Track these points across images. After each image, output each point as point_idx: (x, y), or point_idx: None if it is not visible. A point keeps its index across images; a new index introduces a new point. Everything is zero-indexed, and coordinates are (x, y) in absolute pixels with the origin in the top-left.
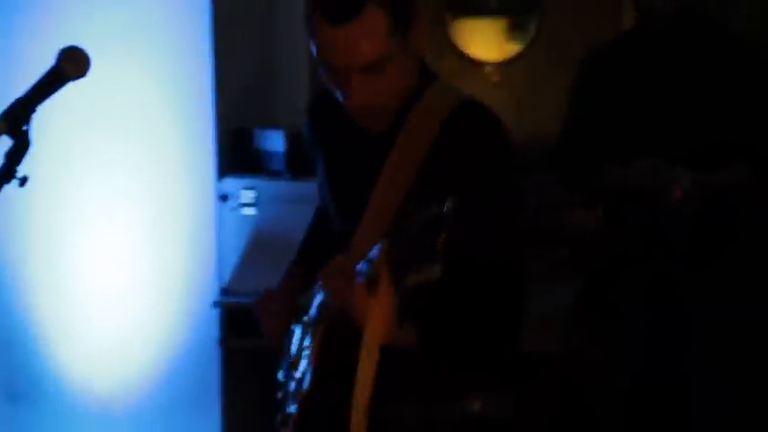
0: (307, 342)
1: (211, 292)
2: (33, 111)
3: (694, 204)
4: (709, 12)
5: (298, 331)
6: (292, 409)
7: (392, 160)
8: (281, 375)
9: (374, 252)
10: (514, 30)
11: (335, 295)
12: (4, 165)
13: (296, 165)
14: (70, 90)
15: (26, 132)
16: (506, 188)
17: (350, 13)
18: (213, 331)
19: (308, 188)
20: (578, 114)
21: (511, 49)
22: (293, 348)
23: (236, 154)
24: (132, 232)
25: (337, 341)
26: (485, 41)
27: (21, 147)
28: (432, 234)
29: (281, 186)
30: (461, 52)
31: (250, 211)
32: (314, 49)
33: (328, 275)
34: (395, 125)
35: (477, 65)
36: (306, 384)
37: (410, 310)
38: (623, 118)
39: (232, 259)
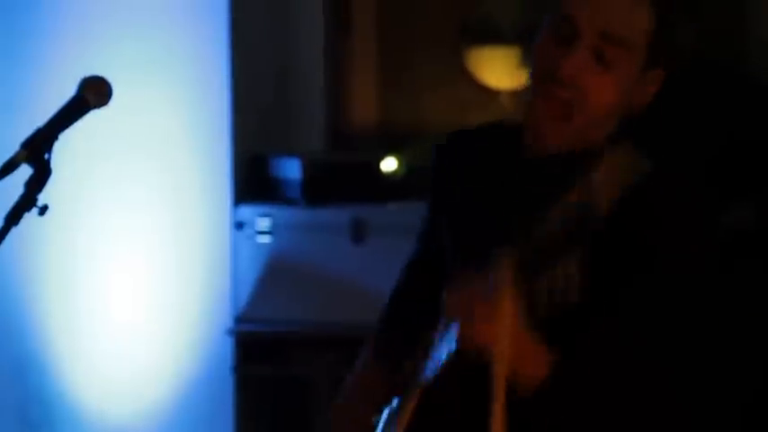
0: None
1: (226, 320)
2: (55, 139)
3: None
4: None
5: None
6: None
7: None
8: None
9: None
10: (529, 58)
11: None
12: (25, 193)
13: (312, 192)
14: (87, 118)
15: (47, 161)
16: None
17: None
18: (227, 359)
19: (324, 216)
20: None
21: (526, 77)
22: None
23: (251, 181)
24: (147, 259)
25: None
26: (500, 70)
27: (41, 175)
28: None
29: (297, 214)
30: (476, 81)
31: (265, 238)
32: (556, 12)
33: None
34: (567, 167)
35: (491, 93)
36: None
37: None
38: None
39: (247, 287)
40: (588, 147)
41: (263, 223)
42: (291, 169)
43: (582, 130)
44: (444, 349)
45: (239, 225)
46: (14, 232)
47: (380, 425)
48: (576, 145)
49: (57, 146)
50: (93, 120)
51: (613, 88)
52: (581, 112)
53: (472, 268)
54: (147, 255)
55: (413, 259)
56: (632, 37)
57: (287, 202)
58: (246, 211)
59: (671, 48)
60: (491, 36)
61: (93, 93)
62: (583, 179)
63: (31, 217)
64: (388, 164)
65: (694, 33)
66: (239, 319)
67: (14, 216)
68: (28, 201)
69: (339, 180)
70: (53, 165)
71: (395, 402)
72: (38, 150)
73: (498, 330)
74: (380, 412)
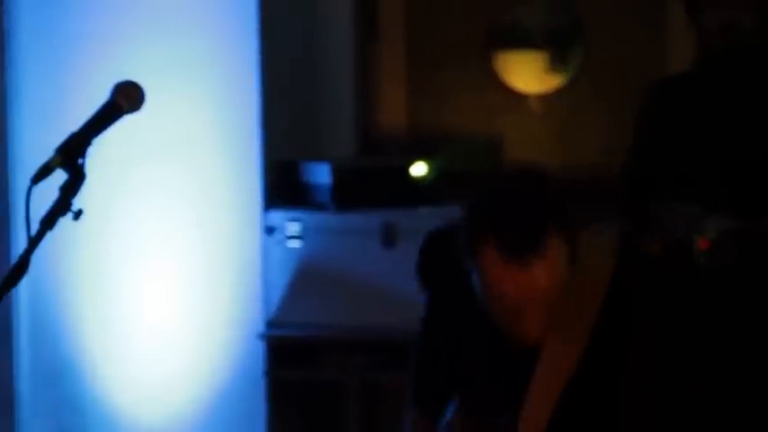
0: None
1: (257, 325)
2: (89, 145)
3: (724, 257)
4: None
5: None
6: None
7: (541, 371)
8: None
9: None
10: (557, 62)
11: None
12: (60, 198)
13: (342, 197)
14: (119, 122)
15: (81, 166)
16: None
17: (530, 248)
18: (259, 363)
19: (354, 221)
20: (645, 143)
21: (554, 81)
22: None
23: (282, 187)
24: (179, 264)
25: None
26: (528, 74)
27: (76, 180)
28: None
29: (327, 219)
30: (504, 85)
31: (296, 243)
32: (478, 280)
33: None
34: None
35: (520, 97)
36: None
37: None
38: (686, 155)
39: (278, 291)
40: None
41: (294, 228)
42: (321, 174)
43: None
44: None
45: (270, 230)
46: (48, 237)
47: None
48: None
49: (90, 151)
50: (125, 125)
51: (557, 289)
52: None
53: None
54: (178, 259)
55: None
56: (561, 275)
57: (317, 206)
58: (277, 216)
59: (576, 227)
60: (519, 40)
61: (126, 98)
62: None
63: (64, 221)
64: (418, 168)
65: None
66: (270, 324)
67: (50, 221)
68: (63, 205)
69: (369, 184)
70: (87, 170)
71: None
72: (72, 155)
73: None
74: None
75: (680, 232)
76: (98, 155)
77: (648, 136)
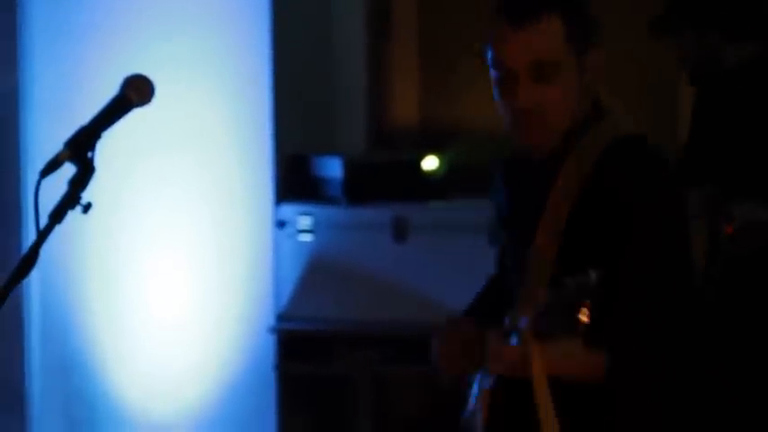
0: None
1: (268, 318)
2: (98, 138)
3: (749, 244)
4: None
5: (475, 386)
6: None
7: (551, 201)
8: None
9: (522, 322)
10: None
11: (495, 359)
12: (69, 191)
13: (353, 191)
14: (129, 116)
15: (90, 160)
16: (665, 246)
17: (529, 14)
18: (270, 357)
19: (366, 215)
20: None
21: None
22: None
23: (293, 180)
24: (189, 258)
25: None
26: None
27: (85, 174)
28: (573, 307)
29: (339, 213)
30: None
31: (307, 237)
32: (490, 55)
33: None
34: (557, 162)
35: None
36: None
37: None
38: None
39: (289, 285)
40: (566, 140)
41: (305, 222)
42: (333, 168)
43: (555, 128)
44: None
45: (281, 224)
46: (58, 231)
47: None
48: (557, 140)
49: (100, 144)
50: (135, 118)
51: (560, 91)
52: (547, 119)
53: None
54: (189, 253)
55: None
56: (555, 51)
57: (329, 200)
58: (288, 210)
59: (586, 24)
60: None
61: (136, 91)
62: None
63: (74, 216)
64: (430, 162)
65: None
66: (281, 318)
67: (58, 214)
68: (72, 199)
69: (380, 179)
70: (96, 163)
71: (469, 407)
72: (81, 149)
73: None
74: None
75: (706, 213)
76: (109, 148)
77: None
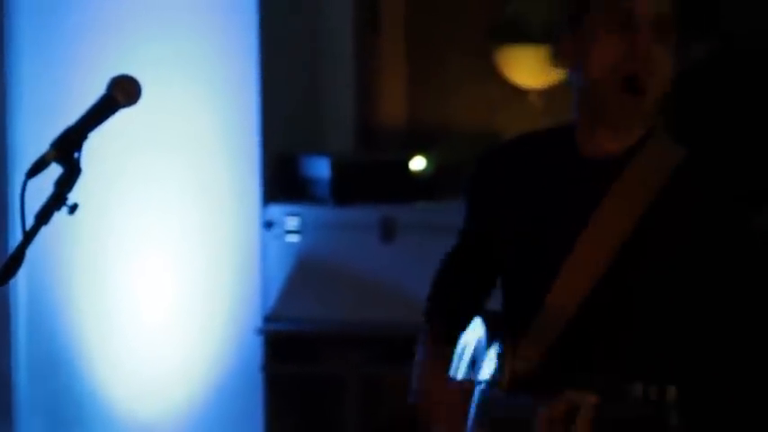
0: None
1: (255, 319)
2: (84, 138)
3: None
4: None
5: None
6: None
7: (606, 209)
8: None
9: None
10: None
11: None
12: (55, 192)
13: (341, 191)
14: (116, 117)
15: (77, 160)
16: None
17: None
18: (257, 358)
19: (353, 215)
20: None
21: (555, 76)
22: None
23: (281, 181)
24: (177, 258)
25: None
26: (528, 69)
27: (71, 174)
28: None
29: (326, 213)
30: (505, 80)
31: (294, 238)
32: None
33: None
34: (616, 162)
35: (520, 93)
36: None
37: None
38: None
39: (276, 286)
40: (635, 144)
41: (293, 222)
42: (321, 168)
43: (649, 109)
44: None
45: (268, 224)
46: (44, 232)
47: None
48: (635, 132)
49: (86, 145)
50: (122, 119)
51: (668, 65)
52: (652, 88)
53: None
54: (176, 254)
55: (456, 251)
56: (671, 11)
57: (316, 201)
58: (276, 211)
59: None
60: (520, 35)
61: (122, 92)
62: None
63: (61, 216)
64: (417, 163)
65: None
66: (268, 318)
67: (45, 215)
68: (58, 200)
69: (368, 179)
70: (83, 164)
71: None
72: (67, 149)
73: None
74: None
75: None
76: (96, 149)
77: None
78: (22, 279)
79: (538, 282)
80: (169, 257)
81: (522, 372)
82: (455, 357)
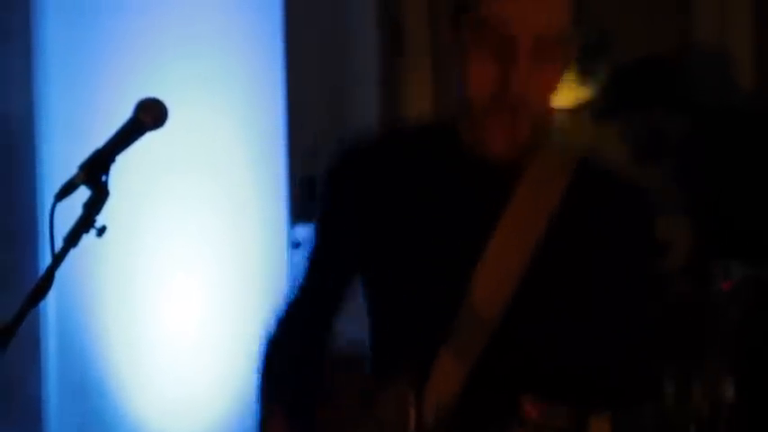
0: None
1: None
2: (112, 162)
3: (744, 300)
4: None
5: None
6: None
7: (509, 218)
8: None
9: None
10: (583, 76)
11: None
12: (83, 215)
13: None
14: (143, 138)
15: (105, 183)
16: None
17: None
18: None
19: None
20: None
21: (579, 95)
22: None
23: (308, 201)
24: (205, 279)
25: None
26: None
27: (99, 197)
28: None
29: None
30: None
31: None
32: (478, 21)
33: None
34: (511, 168)
35: None
36: None
37: None
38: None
39: None
40: (532, 142)
41: None
42: None
43: (531, 129)
44: None
45: (296, 244)
46: (76, 253)
47: None
48: (523, 144)
49: (114, 167)
50: (149, 141)
51: (555, 81)
52: (530, 116)
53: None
54: (205, 275)
55: (303, 295)
56: (563, 29)
57: None
58: (303, 231)
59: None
60: None
61: (149, 115)
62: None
63: (89, 238)
64: None
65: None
66: None
67: (73, 238)
68: (86, 222)
69: None
70: (111, 186)
71: None
72: (95, 172)
73: None
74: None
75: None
76: (124, 171)
77: None
78: (51, 301)
79: (438, 298)
80: (198, 278)
81: (442, 413)
82: None
